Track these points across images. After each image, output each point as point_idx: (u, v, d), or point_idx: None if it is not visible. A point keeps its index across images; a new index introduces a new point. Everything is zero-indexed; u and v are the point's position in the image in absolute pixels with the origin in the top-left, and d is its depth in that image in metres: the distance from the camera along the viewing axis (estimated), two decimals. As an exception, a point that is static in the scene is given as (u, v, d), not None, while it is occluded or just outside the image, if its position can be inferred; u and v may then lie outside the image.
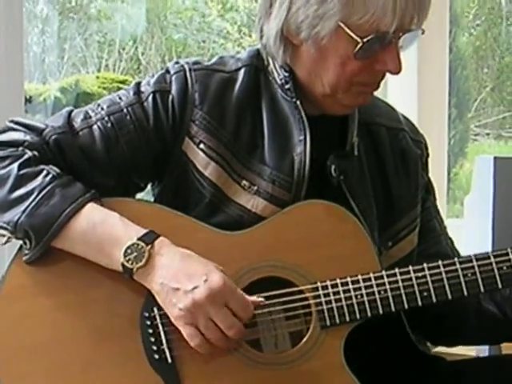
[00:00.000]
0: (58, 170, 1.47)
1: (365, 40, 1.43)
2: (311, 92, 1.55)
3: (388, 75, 1.53)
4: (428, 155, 1.75)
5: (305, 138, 1.53)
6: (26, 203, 1.43)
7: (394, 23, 1.41)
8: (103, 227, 1.43)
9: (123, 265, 1.40)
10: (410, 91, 3.29)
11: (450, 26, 3.56)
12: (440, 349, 1.80)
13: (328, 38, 1.45)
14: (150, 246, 1.40)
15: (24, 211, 1.42)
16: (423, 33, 1.49)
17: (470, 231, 2.68)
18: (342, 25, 1.43)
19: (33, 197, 1.43)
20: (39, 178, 1.44)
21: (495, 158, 2.56)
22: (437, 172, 3.30)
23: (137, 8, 4.30)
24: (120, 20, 4.30)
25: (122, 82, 4.13)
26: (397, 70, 1.48)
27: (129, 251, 1.40)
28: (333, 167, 1.55)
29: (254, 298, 1.42)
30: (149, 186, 1.62)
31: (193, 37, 4.38)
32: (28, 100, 3.40)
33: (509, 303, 1.60)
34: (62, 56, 4.13)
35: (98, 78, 4.14)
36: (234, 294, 1.38)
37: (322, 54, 1.49)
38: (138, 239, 1.41)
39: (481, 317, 1.63)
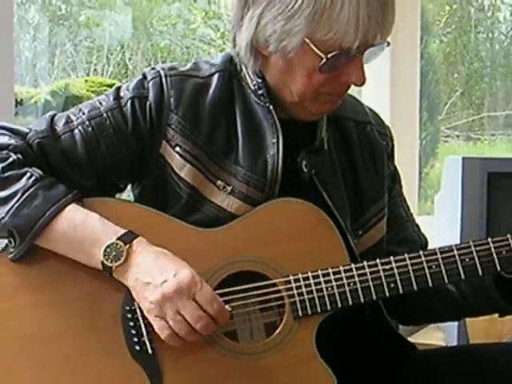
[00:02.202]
0: (40, 172, 1.46)
1: (329, 56, 1.42)
2: (281, 98, 1.55)
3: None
4: (393, 146, 1.76)
5: (277, 141, 1.53)
6: (10, 204, 1.42)
7: (357, 40, 1.40)
8: (83, 228, 1.43)
9: (103, 263, 1.40)
10: (383, 95, 3.30)
11: (421, 33, 3.57)
12: (412, 340, 1.79)
13: (294, 52, 1.45)
14: (128, 246, 1.40)
15: (8, 212, 1.42)
16: (388, 45, 1.48)
17: (440, 227, 2.69)
18: (308, 41, 1.42)
19: (16, 198, 1.42)
20: (23, 180, 1.44)
21: (464, 158, 2.57)
22: (409, 171, 3.33)
23: (124, 15, 4.29)
24: (108, 27, 4.29)
25: (110, 86, 4.11)
26: (360, 82, 1.48)
27: (108, 250, 1.40)
28: (304, 163, 1.55)
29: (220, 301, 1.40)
30: (129, 187, 1.61)
31: (177, 43, 4.37)
32: (19, 102, 3.39)
33: (463, 281, 1.57)
34: (53, 61, 4.12)
35: (86, 81, 4.12)
36: (202, 288, 1.37)
37: (289, 66, 1.49)
38: (117, 239, 1.40)
39: (440, 295, 1.62)
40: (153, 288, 1.37)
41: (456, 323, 2.50)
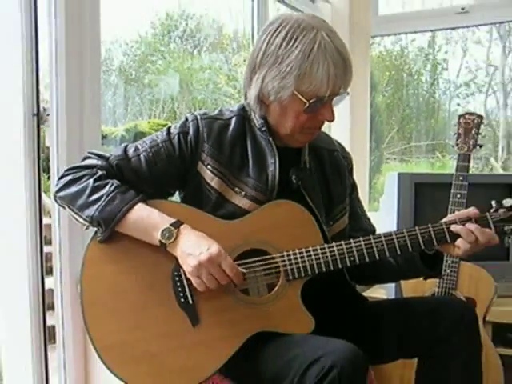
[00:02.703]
0: (118, 183, 1.46)
1: (310, 101, 1.42)
2: (278, 132, 1.54)
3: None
4: (352, 165, 1.74)
5: (275, 161, 1.52)
6: (98, 204, 1.42)
7: (328, 91, 1.40)
8: (148, 218, 1.42)
9: (160, 241, 1.40)
10: (345, 131, 3.29)
11: (370, 89, 3.56)
12: (364, 294, 1.78)
13: (287, 100, 1.45)
14: (177, 230, 1.40)
15: (97, 209, 1.42)
16: (348, 94, 1.48)
17: (383, 220, 2.69)
18: (296, 92, 1.42)
19: (102, 199, 1.42)
20: (107, 188, 1.44)
21: (399, 173, 2.57)
22: (362, 182, 3.32)
23: (173, 79, 4.30)
24: (163, 86, 4.29)
25: (164, 126, 4.12)
26: (331, 119, 1.48)
27: (164, 232, 1.39)
28: (293, 176, 1.54)
29: (239, 268, 1.40)
30: (176, 193, 1.60)
31: (209, 97, 4.38)
32: (104, 137, 3.41)
33: (400, 258, 1.59)
34: (126, 109, 4.12)
35: (149, 122, 4.13)
36: (225, 259, 1.37)
37: (283, 110, 1.48)
38: (170, 225, 1.40)
39: (384, 266, 1.61)
40: (192, 258, 1.37)
41: (394, 284, 2.49)
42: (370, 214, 1.79)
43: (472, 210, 1.48)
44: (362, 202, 1.77)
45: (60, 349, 1.95)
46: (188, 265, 1.38)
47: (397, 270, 1.61)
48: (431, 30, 3.98)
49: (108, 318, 1.42)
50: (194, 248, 1.37)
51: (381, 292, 2.69)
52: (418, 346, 1.52)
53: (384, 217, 2.68)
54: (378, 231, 1.70)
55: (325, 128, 1.60)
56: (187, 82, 4.38)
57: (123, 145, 1.55)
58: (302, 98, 1.43)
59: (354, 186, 1.73)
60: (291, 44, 1.39)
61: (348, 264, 1.45)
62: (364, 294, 1.72)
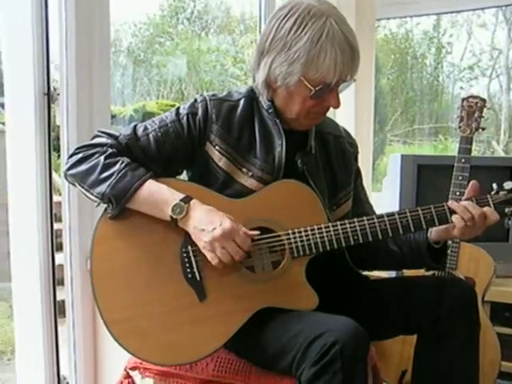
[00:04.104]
0: (128, 160, 1.46)
1: (316, 88, 1.42)
2: (284, 116, 1.53)
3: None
4: (358, 152, 1.74)
5: (282, 143, 1.51)
6: (109, 181, 1.42)
7: (335, 78, 1.40)
8: (158, 194, 1.42)
9: (171, 216, 1.40)
10: (350, 113, 3.28)
11: (375, 72, 3.54)
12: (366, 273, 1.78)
13: (294, 86, 1.44)
14: (187, 205, 1.40)
15: (108, 186, 1.42)
16: (355, 81, 1.48)
17: (386, 200, 2.68)
18: (302, 78, 1.41)
19: (114, 177, 1.42)
20: (117, 165, 1.44)
21: (402, 155, 2.56)
22: (366, 163, 3.31)
23: (181, 60, 4.28)
24: (171, 67, 4.27)
25: (172, 106, 4.09)
26: (337, 106, 1.48)
27: (175, 208, 1.40)
28: (299, 161, 1.54)
29: (251, 232, 1.41)
30: (184, 172, 1.60)
31: (216, 78, 4.36)
32: (113, 117, 3.41)
33: (405, 245, 1.58)
34: (135, 89, 4.11)
35: (157, 103, 4.12)
36: (239, 233, 1.38)
37: (290, 95, 1.47)
38: (180, 200, 1.40)
39: (387, 253, 1.62)
40: (206, 233, 1.37)
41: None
42: (372, 195, 1.80)
43: (472, 185, 1.47)
44: (365, 188, 1.77)
45: (70, 323, 1.98)
46: (202, 240, 1.38)
47: (400, 259, 1.61)
48: (436, 14, 3.93)
49: (116, 292, 1.43)
50: (207, 223, 1.38)
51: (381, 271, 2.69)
52: (418, 323, 1.52)
53: (386, 197, 2.67)
54: (381, 211, 1.69)
55: (329, 113, 1.60)
56: (195, 64, 4.36)
57: (132, 124, 1.55)
58: (308, 85, 1.42)
59: (358, 173, 1.73)
60: (300, 31, 1.38)
61: (352, 242, 1.45)
62: (365, 273, 1.72)
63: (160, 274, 1.43)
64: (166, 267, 1.44)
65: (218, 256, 1.38)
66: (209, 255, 1.39)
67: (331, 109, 1.52)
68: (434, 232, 1.52)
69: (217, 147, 1.51)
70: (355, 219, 1.46)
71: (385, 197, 2.71)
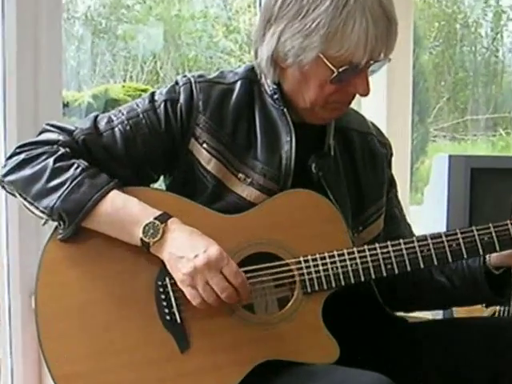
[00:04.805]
0: (86, 163, 1.46)
1: (340, 70, 1.42)
2: (295, 104, 1.54)
3: None
4: (392, 154, 1.75)
5: (291, 140, 1.52)
6: (61, 191, 1.42)
7: (365, 57, 1.40)
8: (125, 210, 1.43)
9: (142, 240, 1.40)
10: (380, 100, 3.28)
11: (413, 46, 3.55)
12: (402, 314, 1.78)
13: (309, 66, 1.45)
14: (164, 224, 1.40)
15: (59, 198, 1.42)
16: (389, 61, 1.48)
17: (428, 216, 2.69)
18: (322, 56, 1.42)
19: (66, 186, 1.42)
20: (71, 170, 1.44)
21: (450, 156, 2.57)
22: (402, 167, 3.31)
23: (156, 29, 4.29)
24: (142, 39, 4.29)
25: (144, 91, 4.11)
26: (365, 93, 1.48)
27: (147, 228, 1.40)
28: (313, 165, 1.55)
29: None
30: (161, 178, 1.61)
31: (202, 53, 4.37)
32: (65, 105, 3.40)
33: (456, 275, 1.59)
34: (94, 69, 4.12)
35: (123, 87, 4.13)
36: (228, 263, 1.38)
37: (304, 76, 1.48)
38: (155, 218, 1.41)
39: (432, 287, 1.62)
40: (186, 261, 1.37)
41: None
42: (410, 210, 1.80)
43: None
44: (401, 202, 1.78)
45: (7, 379, 1.96)
46: (179, 271, 1.38)
47: (451, 294, 1.62)
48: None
49: (71, 340, 1.43)
50: (187, 249, 1.38)
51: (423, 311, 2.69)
52: (470, 381, 1.52)
53: (429, 212, 2.68)
54: (423, 231, 1.71)
55: (354, 100, 1.60)
56: (174, 35, 4.37)
57: (92, 115, 1.55)
58: (329, 65, 1.43)
59: (392, 182, 1.74)
60: None
61: (384, 273, 1.46)
62: (400, 313, 1.73)
63: (128, 316, 1.44)
64: (135, 306, 1.44)
65: (199, 294, 1.38)
66: (188, 292, 1.39)
67: (357, 97, 1.53)
68: (494, 255, 1.53)
69: (204, 145, 1.51)
70: (388, 243, 1.47)
71: (427, 212, 2.71)
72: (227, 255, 1.39)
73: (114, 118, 1.53)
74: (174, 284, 1.43)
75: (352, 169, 1.62)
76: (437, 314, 2.54)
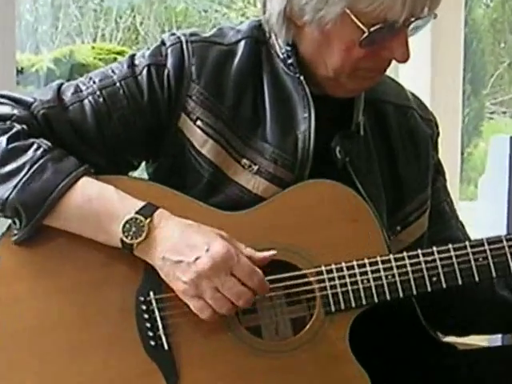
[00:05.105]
0: (49, 144, 1.46)
1: (371, 29, 1.43)
2: (314, 71, 1.54)
3: None
4: (438, 134, 1.75)
5: (309, 116, 1.52)
6: (17, 179, 1.42)
7: (404, 13, 1.41)
8: (99, 201, 1.43)
9: (122, 241, 1.41)
10: (422, 66, 3.29)
11: (465, -1, 3.57)
12: (451, 338, 1.80)
13: (333, 24, 1.45)
14: (149, 220, 1.41)
15: (15, 187, 1.42)
16: (435, 17, 1.49)
17: (483, 214, 2.69)
18: (348, 11, 1.42)
19: (24, 172, 1.42)
20: (30, 152, 1.44)
21: (512, 137, 2.57)
22: (450, 152, 3.31)
23: (135, -26, 4.29)
24: (117, -13, 4.29)
25: (119, 53, 4.13)
26: (404, 59, 1.48)
27: (127, 226, 1.40)
28: (338, 148, 1.55)
29: (263, 253, 1.42)
30: (143, 165, 1.62)
31: (194, 6, 4.36)
32: (19, 71, 3.40)
33: None
34: (56, 25, 4.12)
35: (93, 48, 4.14)
36: (239, 261, 1.38)
37: (325, 37, 1.48)
38: (137, 213, 1.41)
39: (495, 305, 1.63)
40: (185, 266, 1.38)
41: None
42: (461, 205, 1.80)
43: None
44: (450, 194, 1.78)
45: None
46: (179, 280, 1.39)
47: None
48: None
49: (21, 370, 1.43)
50: (185, 250, 1.39)
51: (477, 336, 2.70)
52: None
53: (485, 210, 2.68)
54: (476, 234, 1.71)
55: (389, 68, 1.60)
56: (158, -19, 4.37)
57: (55, 84, 1.56)
58: (358, 23, 1.43)
59: (439, 169, 1.75)
60: None
61: (429, 288, 1.47)
62: (449, 338, 1.75)
63: (99, 340, 1.44)
64: (109, 329, 1.44)
65: (208, 304, 1.38)
66: (194, 304, 1.39)
67: (393, 63, 1.53)
68: None
69: (198, 123, 1.52)
70: (434, 248, 1.47)
71: (482, 209, 2.71)
72: (236, 250, 1.39)
73: (83, 88, 1.53)
74: (160, 300, 1.43)
75: (387, 152, 1.63)
76: (495, 340, 2.54)
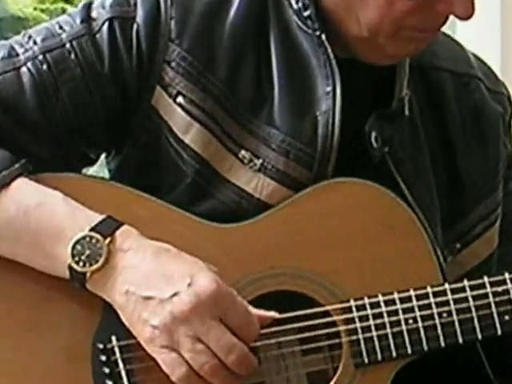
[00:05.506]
0: None
1: None
2: (341, 29, 1.55)
3: None
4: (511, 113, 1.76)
5: (333, 90, 1.53)
6: None
7: None
8: (40, 213, 1.44)
9: (71, 268, 1.41)
10: (489, 25, 3.30)
11: None
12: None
13: None
14: (109, 239, 1.41)
15: None
16: None
17: None
18: None
19: None
20: None
21: None
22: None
23: None
24: None
25: (69, 2, 4.13)
26: (467, 14, 1.49)
27: (78, 248, 1.40)
28: (373, 134, 1.56)
29: (261, 311, 1.42)
30: (102, 158, 1.63)
31: None
32: None
33: None
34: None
35: (34, -4, 4.16)
36: (233, 303, 1.39)
37: None
38: (92, 229, 1.41)
39: None
40: (157, 305, 1.38)
41: None
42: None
43: None
44: None
45: None
46: (145, 323, 1.39)
47: None
48: None
49: None
50: (157, 281, 1.39)
51: None
52: None
53: None
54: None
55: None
56: None
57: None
58: None
59: None
60: None
61: (498, 330, 1.48)
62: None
63: None
64: (56, 382, 1.45)
65: (184, 358, 1.38)
66: (164, 359, 1.40)
67: (450, 18, 1.54)
68: None
69: (180, 99, 1.53)
70: (507, 275, 1.49)
71: None
72: (230, 289, 1.39)
73: (20, 51, 1.53)
74: (126, 349, 1.44)
75: (442, 138, 1.65)
76: None
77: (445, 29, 1.65)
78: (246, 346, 1.38)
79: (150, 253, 1.41)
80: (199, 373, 1.37)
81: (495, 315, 1.47)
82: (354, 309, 1.46)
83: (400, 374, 1.47)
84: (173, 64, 1.52)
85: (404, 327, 1.46)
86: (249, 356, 1.38)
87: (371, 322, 1.46)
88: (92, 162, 1.62)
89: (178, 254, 1.42)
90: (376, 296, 1.46)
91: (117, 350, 1.44)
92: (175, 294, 1.37)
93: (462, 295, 1.47)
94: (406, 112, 1.60)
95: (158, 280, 1.39)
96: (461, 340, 1.47)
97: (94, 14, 1.54)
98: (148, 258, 1.40)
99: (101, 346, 1.44)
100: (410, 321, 1.46)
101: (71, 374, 1.45)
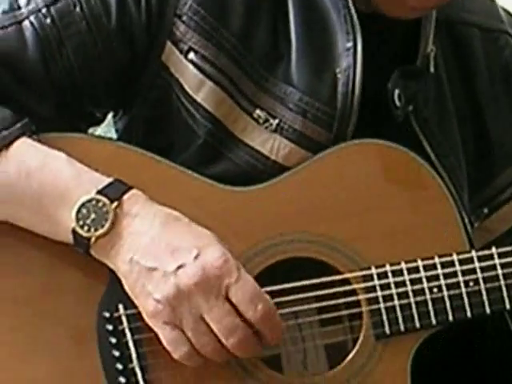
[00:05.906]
0: None
1: None
2: None
3: None
4: None
5: (354, 45, 1.50)
6: None
7: None
8: (43, 175, 1.41)
9: (75, 232, 1.39)
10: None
11: None
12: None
13: None
14: (116, 203, 1.39)
15: None
16: None
17: None
18: None
19: None
20: None
21: None
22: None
23: None
24: None
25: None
26: None
27: (84, 211, 1.39)
28: (397, 92, 1.54)
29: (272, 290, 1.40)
30: (109, 117, 1.61)
31: None
32: None
33: None
34: None
35: None
36: (239, 278, 1.36)
37: None
38: (98, 192, 1.39)
39: None
40: (161, 278, 1.36)
41: None
42: None
43: None
44: None
45: None
46: (148, 296, 1.37)
47: None
48: None
49: None
50: (163, 253, 1.37)
51: None
52: None
53: None
54: None
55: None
56: None
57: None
58: None
59: None
60: None
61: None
62: None
63: (46, 375, 1.43)
64: (59, 359, 1.43)
65: (187, 338, 1.36)
66: (166, 335, 1.39)
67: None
68: None
69: (192, 55, 1.50)
70: None
71: None
72: (238, 263, 1.36)
73: (22, 3, 1.50)
74: (134, 316, 1.42)
75: (470, 97, 1.63)
76: None
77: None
78: (251, 326, 1.36)
79: (159, 220, 1.39)
80: (201, 352, 1.36)
81: None
82: (375, 277, 1.45)
83: (420, 347, 1.46)
84: (184, 18, 1.50)
85: (428, 296, 1.45)
86: (251, 339, 1.36)
87: (393, 290, 1.45)
88: (99, 122, 1.61)
89: (187, 223, 1.40)
90: (399, 263, 1.45)
91: (124, 318, 1.42)
92: (180, 267, 1.35)
93: (490, 263, 1.46)
94: (432, 69, 1.58)
95: (163, 250, 1.37)
96: (488, 310, 1.45)
97: None
98: (156, 226, 1.39)
99: (107, 315, 1.42)
100: (435, 289, 1.45)
101: (76, 344, 1.43)
